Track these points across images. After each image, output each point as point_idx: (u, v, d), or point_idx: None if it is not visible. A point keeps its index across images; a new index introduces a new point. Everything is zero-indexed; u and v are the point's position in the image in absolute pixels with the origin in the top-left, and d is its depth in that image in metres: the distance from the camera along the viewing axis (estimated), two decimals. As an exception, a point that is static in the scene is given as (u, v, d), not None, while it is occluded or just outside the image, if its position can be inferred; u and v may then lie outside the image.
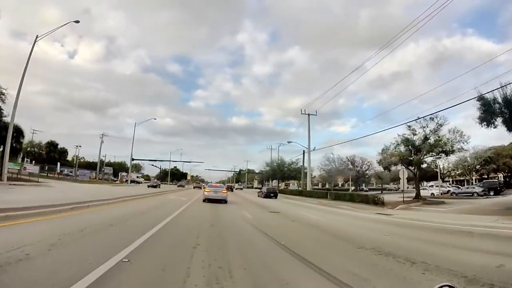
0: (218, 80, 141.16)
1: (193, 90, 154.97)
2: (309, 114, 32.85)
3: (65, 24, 21.11)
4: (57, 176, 39.64)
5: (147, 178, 79.09)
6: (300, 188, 41.85)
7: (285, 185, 64.85)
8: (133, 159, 44.36)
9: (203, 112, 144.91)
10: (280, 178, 52.78)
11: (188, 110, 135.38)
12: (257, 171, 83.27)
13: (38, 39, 20.53)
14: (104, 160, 57.75)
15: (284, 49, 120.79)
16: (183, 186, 47.08)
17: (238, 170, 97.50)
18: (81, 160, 63.91)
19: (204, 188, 16.81)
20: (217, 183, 34.13)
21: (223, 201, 14.45)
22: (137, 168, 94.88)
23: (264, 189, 30.17)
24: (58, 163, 45.76)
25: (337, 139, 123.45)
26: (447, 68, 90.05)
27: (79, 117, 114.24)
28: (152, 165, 73.76)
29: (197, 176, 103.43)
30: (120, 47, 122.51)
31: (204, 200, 14.45)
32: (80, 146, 60.51)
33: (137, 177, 61.89)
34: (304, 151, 33.89)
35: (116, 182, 47.69)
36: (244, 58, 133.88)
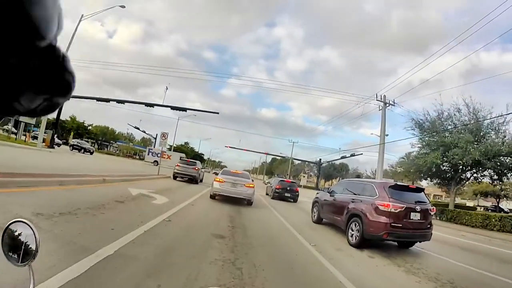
0: (252, 70, 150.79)
1: (226, 78, 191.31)
2: None
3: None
4: None
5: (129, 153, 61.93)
6: None
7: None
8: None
9: (234, 101, 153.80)
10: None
11: (219, 97, 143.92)
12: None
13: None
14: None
15: (319, 47, 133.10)
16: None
17: (274, 157, 77.05)
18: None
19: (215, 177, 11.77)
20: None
21: (244, 200, 10.97)
22: (129, 138, 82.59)
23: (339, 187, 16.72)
24: None
25: (364, 142, 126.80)
26: (481, 81, 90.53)
27: (110, 93, 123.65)
28: (135, 127, 52.28)
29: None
30: (158, 30, 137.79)
31: (212, 197, 11.08)
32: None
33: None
34: None
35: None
36: (279, 52, 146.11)
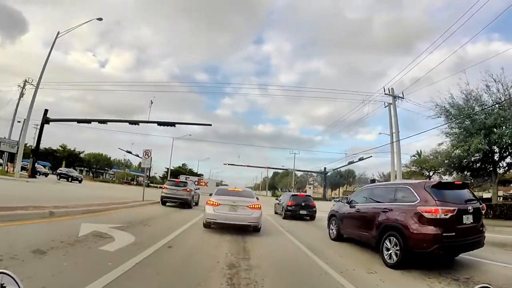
0: (245, 88, 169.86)
1: (220, 98, 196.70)
2: None
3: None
4: None
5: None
6: None
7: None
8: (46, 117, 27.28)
9: (230, 120, 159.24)
10: None
11: (215, 118, 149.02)
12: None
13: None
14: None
15: (309, 58, 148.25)
16: None
17: (275, 171, 72.83)
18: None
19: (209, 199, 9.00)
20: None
21: (250, 227, 8.63)
22: (126, 164, 79.39)
23: (360, 195, 12.31)
24: None
25: (361, 147, 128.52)
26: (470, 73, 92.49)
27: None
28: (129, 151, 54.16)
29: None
30: (149, 57, 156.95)
31: (206, 225, 8.77)
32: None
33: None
34: None
35: None
36: (270, 67, 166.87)
